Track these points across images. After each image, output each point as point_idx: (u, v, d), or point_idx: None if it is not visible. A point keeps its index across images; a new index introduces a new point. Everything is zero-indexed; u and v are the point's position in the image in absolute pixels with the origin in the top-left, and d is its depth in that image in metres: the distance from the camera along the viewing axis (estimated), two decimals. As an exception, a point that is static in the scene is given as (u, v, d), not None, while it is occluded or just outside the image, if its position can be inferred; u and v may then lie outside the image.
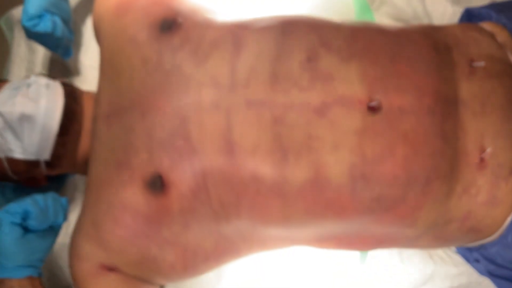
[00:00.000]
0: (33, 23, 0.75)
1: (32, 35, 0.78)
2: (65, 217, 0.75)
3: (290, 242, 0.77)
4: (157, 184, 0.66)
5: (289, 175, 0.64)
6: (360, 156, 0.63)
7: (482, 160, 0.65)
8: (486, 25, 0.76)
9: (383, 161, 0.63)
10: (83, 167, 0.79)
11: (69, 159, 0.80)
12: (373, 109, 0.63)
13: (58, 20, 0.78)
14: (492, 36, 0.74)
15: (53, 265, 0.88)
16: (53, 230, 0.73)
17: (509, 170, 0.66)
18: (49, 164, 0.76)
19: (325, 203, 0.66)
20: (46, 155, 0.75)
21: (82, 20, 0.96)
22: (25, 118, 0.71)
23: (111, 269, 0.72)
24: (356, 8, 0.94)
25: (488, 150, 0.64)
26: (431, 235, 0.72)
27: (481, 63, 0.69)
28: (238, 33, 0.68)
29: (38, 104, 0.73)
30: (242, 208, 0.68)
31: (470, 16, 0.85)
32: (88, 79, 0.94)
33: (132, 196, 0.68)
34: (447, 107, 0.65)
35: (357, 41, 0.67)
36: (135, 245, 0.70)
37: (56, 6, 0.78)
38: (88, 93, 0.83)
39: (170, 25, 0.71)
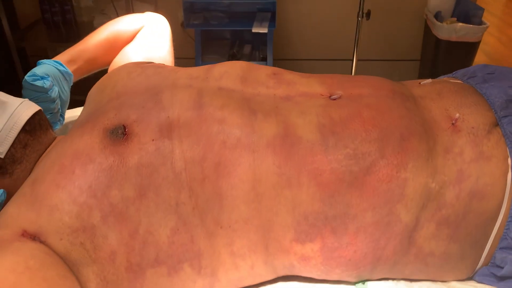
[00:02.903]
0: (33, 78, 0.81)
1: (28, 88, 0.81)
2: None
3: (263, 243, 0.63)
4: (118, 132, 0.63)
5: (258, 127, 0.64)
6: (328, 118, 0.65)
7: (454, 125, 0.66)
8: None
9: (352, 120, 0.65)
10: None
11: (23, 171, 0.70)
12: (334, 100, 0.70)
13: (56, 89, 0.85)
14: None
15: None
16: None
17: (485, 130, 0.66)
18: (0, 167, 0.67)
19: (298, 161, 0.62)
20: (2, 148, 0.67)
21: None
22: None
23: (34, 238, 0.56)
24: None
25: (457, 115, 0.67)
26: (432, 220, 0.62)
27: (428, 80, 0.78)
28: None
29: (17, 99, 0.72)
30: (207, 166, 0.61)
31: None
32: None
33: (88, 142, 0.62)
34: (405, 97, 0.70)
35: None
36: (75, 202, 0.58)
37: (59, 83, 0.87)
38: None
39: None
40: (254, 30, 2.17)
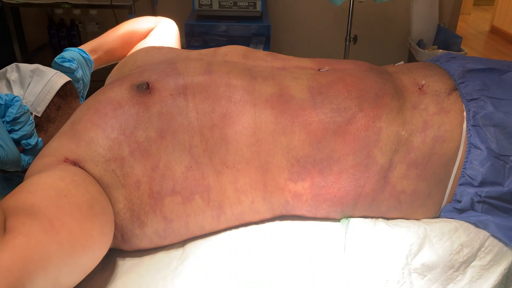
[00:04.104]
0: (62, 60, 0.94)
1: (57, 69, 0.92)
2: (33, 150, 0.77)
3: (262, 181, 0.75)
4: (143, 87, 0.75)
5: (258, 88, 0.77)
6: (316, 82, 0.79)
7: (420, 89, 0.81)
8: None
9: (336, 84, 0.79)
10: None
11: (56, 129, 0.84)
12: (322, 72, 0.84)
13: (80, 71, 0.97)
14: None
15: None
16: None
17: (446, 92, 0.80)
18: (37, 124, 0.81)
19: (291, 114, 0.74)
20: (40, 108, 0.81)
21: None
22: (37, 72, 0.83)
23: (74, 163, 0.68)
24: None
25: (423, 82, 0.82)
26: (403, 161, 0.75)
27: (401, 62, 0.96)
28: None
29: (52, 69, 0.88)
30: (216, 116, 0.73)
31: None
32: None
33: (118, 92, 0.74)
34: (380, 71, 0.85)
35: None
36: (108, 137, 0.70)
37: (82, 67, 0.99)
38: None
39: None
40: (250, 51, 2.34)
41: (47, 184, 0.61)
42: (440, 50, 2.55)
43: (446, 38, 2.71)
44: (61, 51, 0.99)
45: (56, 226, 0.55)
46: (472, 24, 5.10)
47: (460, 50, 2.60)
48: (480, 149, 0.74)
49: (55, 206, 0.58)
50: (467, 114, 0.76)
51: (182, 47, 2.57)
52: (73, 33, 2.75)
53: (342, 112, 0.75)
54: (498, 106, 0.75)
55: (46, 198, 0.58)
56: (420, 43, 2.70)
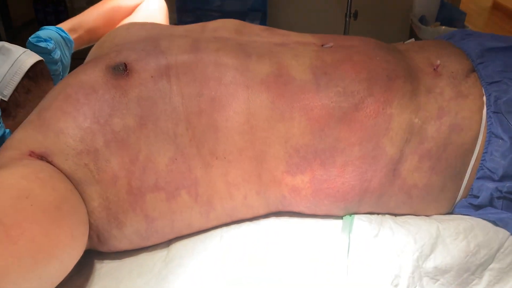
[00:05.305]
0: (37, 39, 0.83)
1: (32, 50, 0.82)
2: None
3: (257, 173, 0.67)
4: (120, 68, 0.66)
5: (252, 67, 0.68)
6: (320, 61, 0.70)
7: (435, 70, 0.72)
8: None
9: (343, 63, 0.69)
10: None
11: (25, 115, 0.74)
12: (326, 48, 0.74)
13: (58, 52, 0.87)
14: None
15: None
16: None
17: (463, 74, 0.71)
18: (4, 109, 0.72)
19: (291, 97, 0.66)
20: (6, 91, 0.73)
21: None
22: (3, 50, 0.74)
23: (41, 158, 0.60)
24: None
25: (438, 62, 0.72)
26: (415, 153, 0.67)
27: (411, 40, 0.88)
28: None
29: (20, 48, 0.77)
30: (203, 101, 0.65)
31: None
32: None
33: (91, 75, 0.66)
34: (390, 49, 0.75)
35: None
36: (80, 127, 0.61)
37: (61, 48, 0.89)
38: None
39: None
40: (245, 27, 2.24)
41: (6, 184, 0.52)
42: (443, 27, 2.44)
43: (450, 14, 2.60)
44: (48, 28, 0.90)
45: (13, 236, 0.47)
46: (474, 0, 4.97)
47: (464, 26, 2.50)
48: (502, 139, 0.66)
49: (14, 211, 0.49)
50: (487, 99, 0.68)
51: (173, 24, 2.47)
52: (60, 8, 2.64)
53: (349, 97, 0.66)
54: None
55: (3, 201, 0.50)
56: (422, 19, 2.59)
